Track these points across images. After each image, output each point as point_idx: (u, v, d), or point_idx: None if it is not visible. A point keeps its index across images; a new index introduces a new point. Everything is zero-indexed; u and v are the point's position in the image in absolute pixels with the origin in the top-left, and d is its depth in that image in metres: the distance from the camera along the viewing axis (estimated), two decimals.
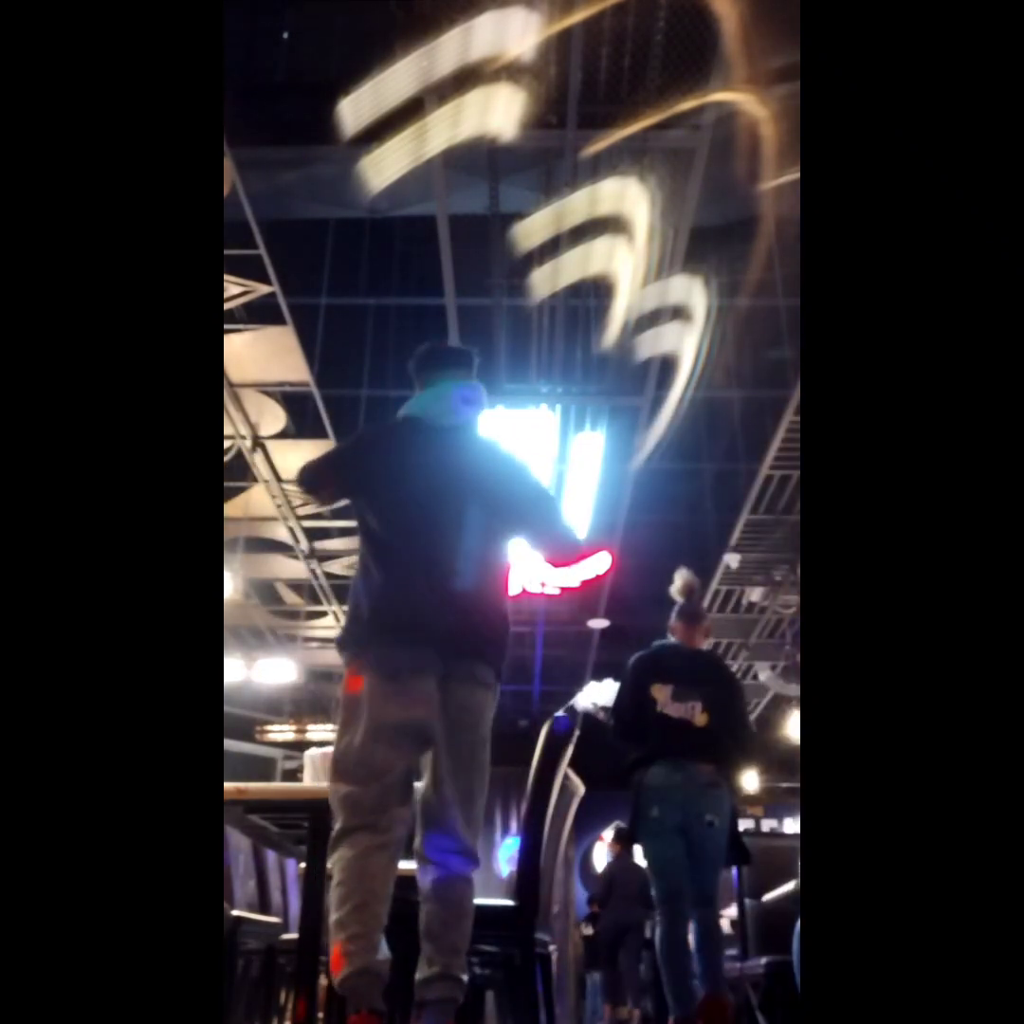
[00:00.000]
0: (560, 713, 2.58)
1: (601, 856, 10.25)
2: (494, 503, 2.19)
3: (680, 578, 3.55)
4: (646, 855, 3.30)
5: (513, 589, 2.24)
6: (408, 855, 2.09)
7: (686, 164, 4.56)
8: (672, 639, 3.44)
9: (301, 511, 8.06)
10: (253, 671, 9.42)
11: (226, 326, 6.08)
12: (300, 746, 9.50)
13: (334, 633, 10.19)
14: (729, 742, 3.24)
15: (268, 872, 4.13)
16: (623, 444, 6.54)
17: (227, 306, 5.91)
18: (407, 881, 2.06)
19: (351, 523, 8.13)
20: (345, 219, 8.04)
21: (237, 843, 3.78)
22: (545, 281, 5.03)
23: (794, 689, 9.32)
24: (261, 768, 10.69)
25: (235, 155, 4.97)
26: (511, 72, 4.01)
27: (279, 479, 7.62)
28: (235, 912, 3.23)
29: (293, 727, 10.82)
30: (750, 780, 11.62)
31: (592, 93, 4.34)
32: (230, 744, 9.58)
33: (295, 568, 8.96)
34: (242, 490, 7.75)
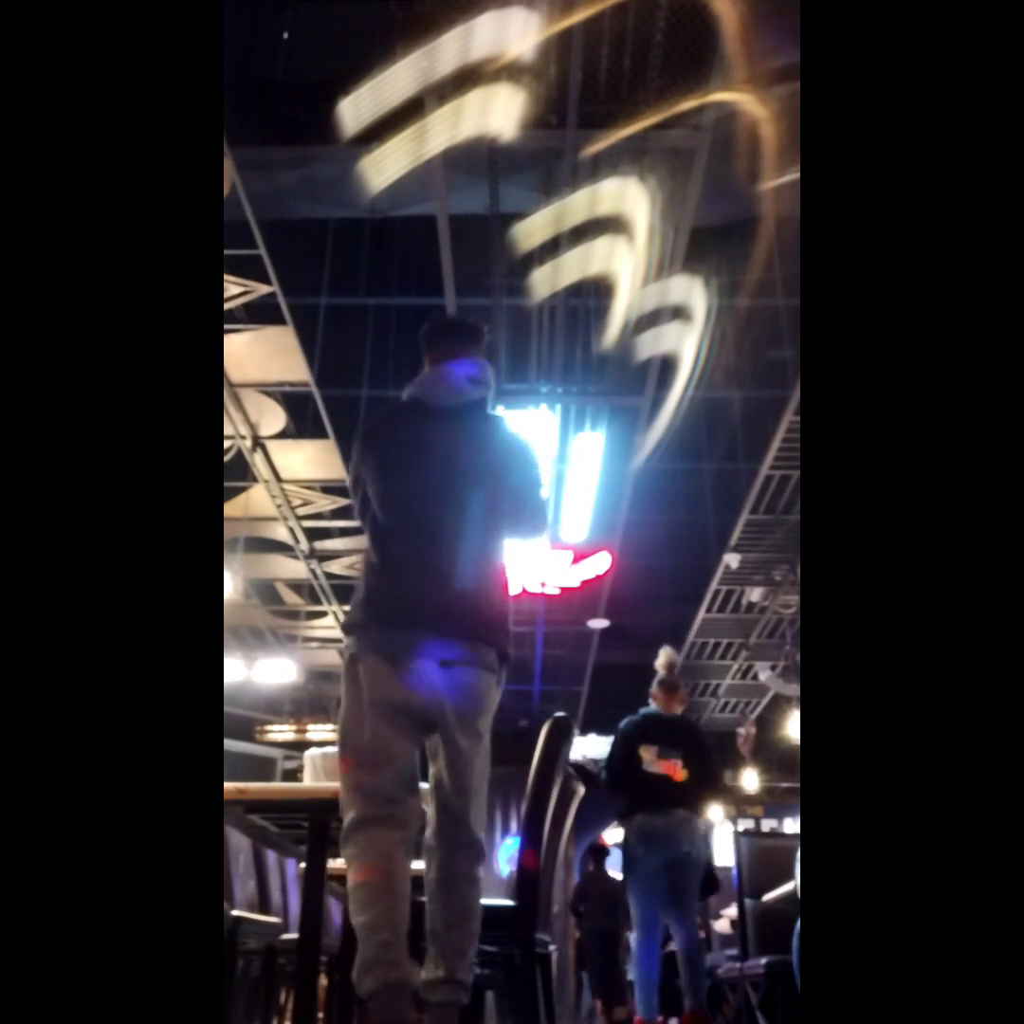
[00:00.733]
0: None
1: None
2: (495, 489, 2.17)
3: (663, 654, 4.32)
4: (631, 890, 3.93)
5: (513, 589, 2.22)
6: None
7: (686, 164, 4.56)
8: (654, 705, 4.18)
9: (301, 511, 8.07)
10: (253, 671, 9.42)
11: (226, 326, 6.08)
12: (300, 746, 9.49)
13: (334, 633, 10.23)
14: (702, 791, 3.99)
15: (268, 872, 4.13)
16: (623, 444, 6.54)
17: (227, 306, 5.91)
18: (415, 879, 2.04)
19: (351, 523, 8.20)
20: (345, 219, 8.05)
21: (237, 843, 3.78)
22: (545, 281, 5.04)
23: (794, 689, 9.33)
24: (261, 768, 10.69)
25: (235, 155, 4.97)
26: (511, 72, 4.02)
27: (279, 479, 7.63)
28: (235, 912, 3.23)
29: (293, 727, 10.82)
30: (750, 780, 11.63)
31: (592, 93, 4.34)
32: (230, 744, 9.58)
33: (295, 568, 8.96)
34: (242, 490, 7.75)
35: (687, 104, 4.17)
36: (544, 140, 4.62)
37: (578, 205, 4.71)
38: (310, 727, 10.71)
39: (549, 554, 7.75)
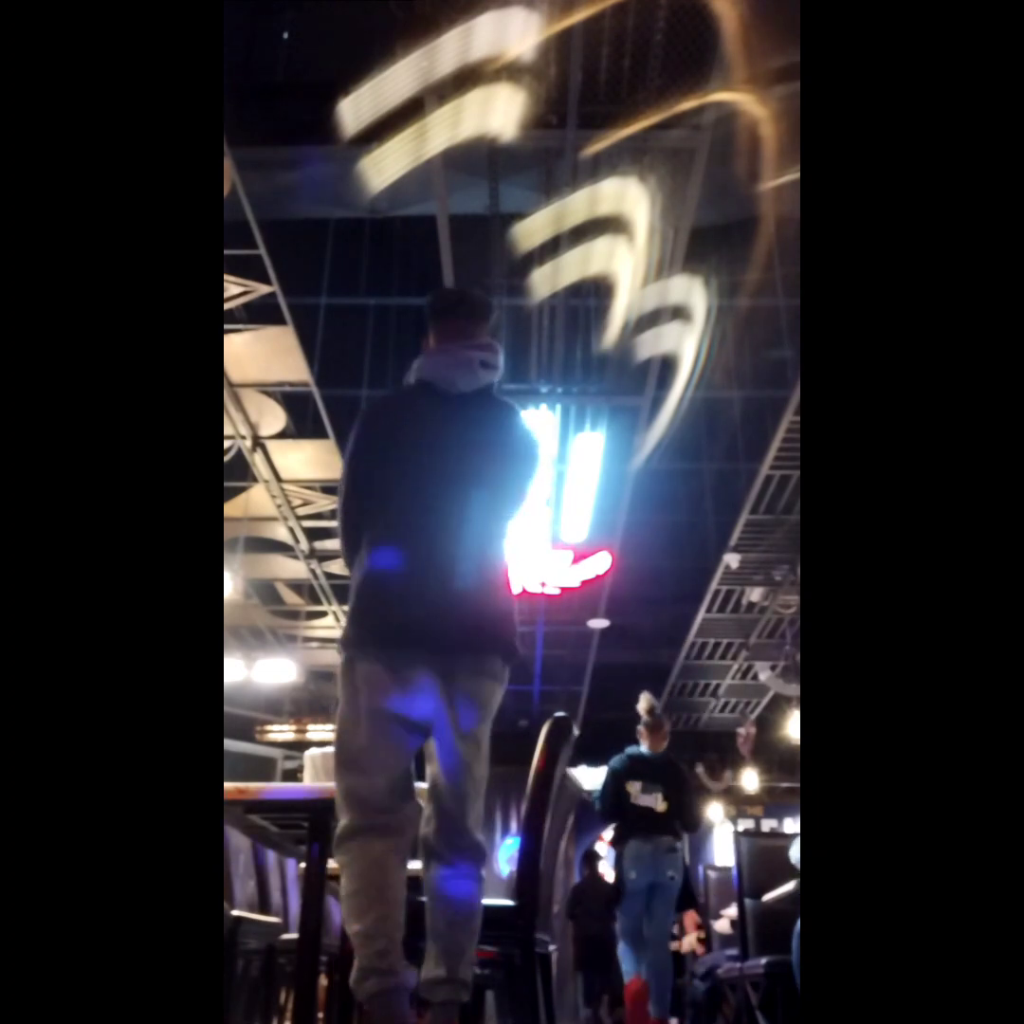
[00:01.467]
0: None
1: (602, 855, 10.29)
2: (501, 484, 2.08)
3: (644, 700, 4.91)
4: (621, 907, 4.65)
5: (514, 588, 2.17)
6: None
7: (686, 164, 4.56)
8: (641, 744, 4.86)
9: (301, 511, 8.07)
10: (253, 671, 9.42)
11: (226, 326, 6.08)
12: (300, 746, 9.49)
13: (334, 633, 10.22)
14: (679, 821, 4.70)
15: (268, 872, 4.13)
16: (623, 444, 6.53)
17: (227, 306, 5.91)
18: (413, 879, 2.04)
19: None
20: (345, 219, 8.05)
21: (237, 843, 3.78)
22: (545, 281, 5.04)
23: (794, 689, 9.33)
24: (261, 768, 10.69)
25: (235, 155, 4.96)
26: (511, 72, 4.02)
27: (279, 479, 7.62)
28: (235, 912, 3.23)
29: (293, 727, 10.81)
30: (750, 780, 11.64)
31: (592, 93, 4.34)
32: (230, 744, 9.58)
33: (295, 568, 8.96)
34: (242, 490, 7.74)
35: (687, 104, 4.17)
36: (544, 140, 4.62)
37: (578, 205, 4.71)
38: (310, 727, 10.70)
39: (549, 554, 7.76)
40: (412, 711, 1.94)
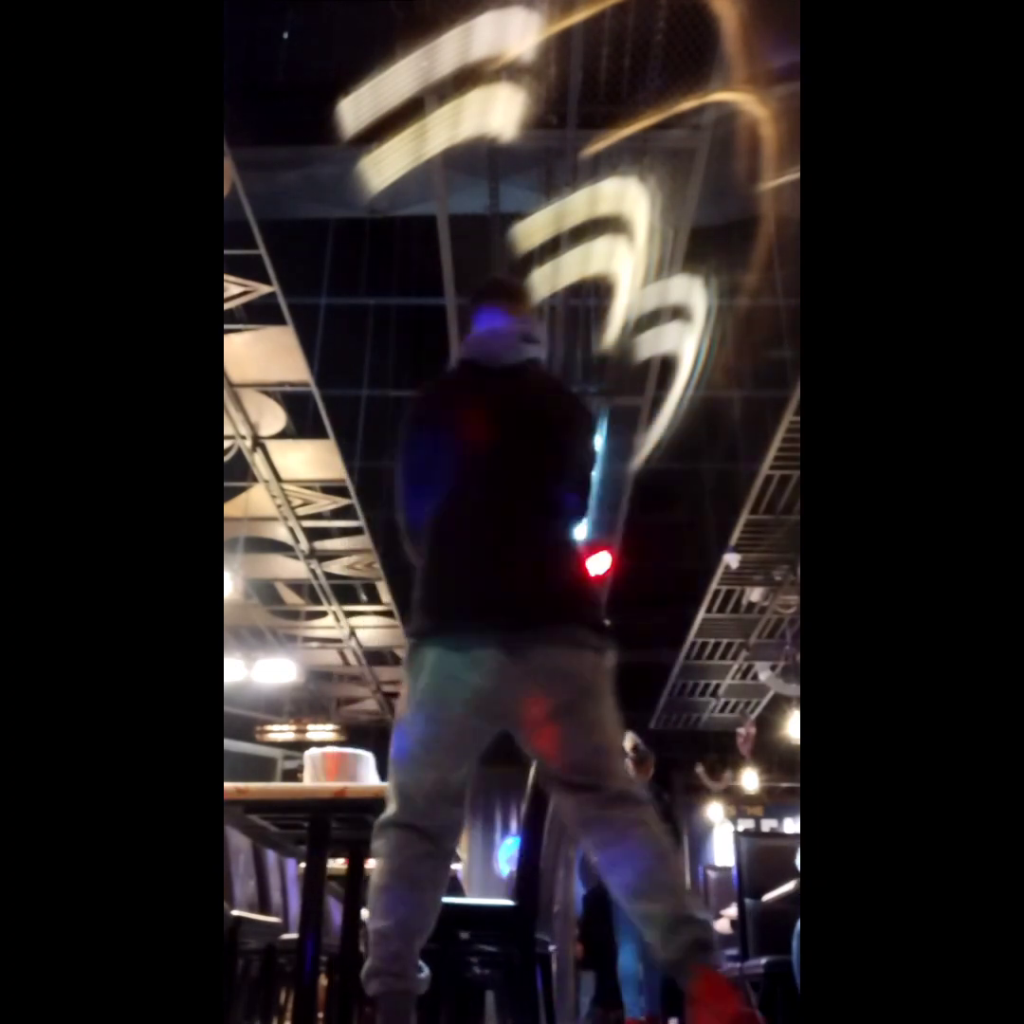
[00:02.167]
0: None
1: None
2: (555, 452, 2.01)
3: (628, 739, 5.03)
4: (616, 916, 4.97)
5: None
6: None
7: (686, 164, 4.57)
8: None
9: (301, 511, 8.07)
10: (253, 671, 9.42)
11: (226, 326, 6.08)
12: (300, 746, 9.49)
13: (334, 633, 10.24)
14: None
15: (268, 872, 4.13)
16: (623, 444, 6.53)
17: (227, 306, 5.91)
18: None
19: (352, 523, 8.20)
20: (345, 219, 8.05)
21: (237, 843, 3.77)
22: (545, 281, 5.04)
23: (794, 689, 9.33)
24: (261, 768, 10.69)
25: (235, 155, 4.97)
26: (511, 72, 4.02)
27: (279, 479, 7.63)
28: (235, 912, 3.23)
29: (293, 727, 10.81)
30: (750, 780, 11.64)
31: (592, 93, 4.35)
32: (230, 744, 9.58)
33: (295, 568, 8.96)
34: (242, 490, 7.75)
35: (687, 104, 4.17)
36: (544, 140, 4.63)
37: (578, 205, 4.72)
38: (310, 727, 10.70)
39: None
40: (483, 693, 1.80)
